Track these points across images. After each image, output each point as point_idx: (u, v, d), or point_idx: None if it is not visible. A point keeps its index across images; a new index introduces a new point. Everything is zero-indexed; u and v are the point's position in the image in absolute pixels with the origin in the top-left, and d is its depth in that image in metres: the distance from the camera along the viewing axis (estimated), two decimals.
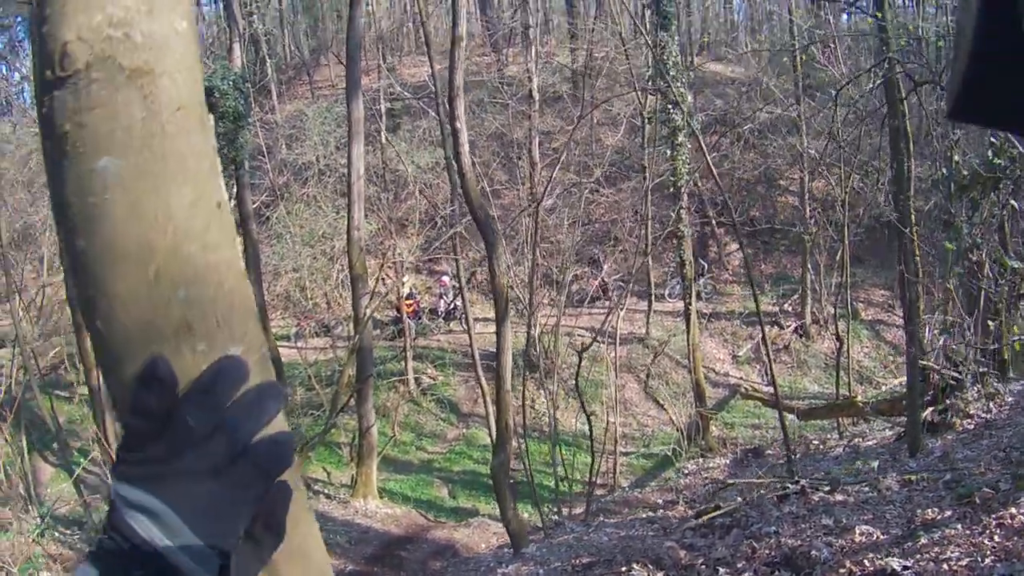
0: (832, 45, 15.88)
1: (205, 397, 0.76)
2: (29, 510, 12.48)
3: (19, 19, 29.62)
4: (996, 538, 5.46)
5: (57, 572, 11.15)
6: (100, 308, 0.78)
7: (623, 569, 7.04)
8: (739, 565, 6.30)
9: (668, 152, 18.36)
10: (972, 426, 9.84)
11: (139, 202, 0.76)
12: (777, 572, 5.95)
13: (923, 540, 5.74)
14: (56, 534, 12.74)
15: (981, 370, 10.57)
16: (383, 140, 25.21)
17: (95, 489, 13.92)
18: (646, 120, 20.18)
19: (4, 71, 32.09)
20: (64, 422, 16.86)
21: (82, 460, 14.99)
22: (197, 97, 0.81)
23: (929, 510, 6.36)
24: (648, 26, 17.26)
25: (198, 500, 0.74)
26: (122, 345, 0.78)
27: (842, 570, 5.61)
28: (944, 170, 10.28)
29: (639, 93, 19.43)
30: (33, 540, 11.47)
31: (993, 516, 5.76)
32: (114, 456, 0.79)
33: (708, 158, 10.72)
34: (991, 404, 10.28)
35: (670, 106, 17.54)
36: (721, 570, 6.29)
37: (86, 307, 0.79)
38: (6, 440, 13.46)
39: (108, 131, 0.75)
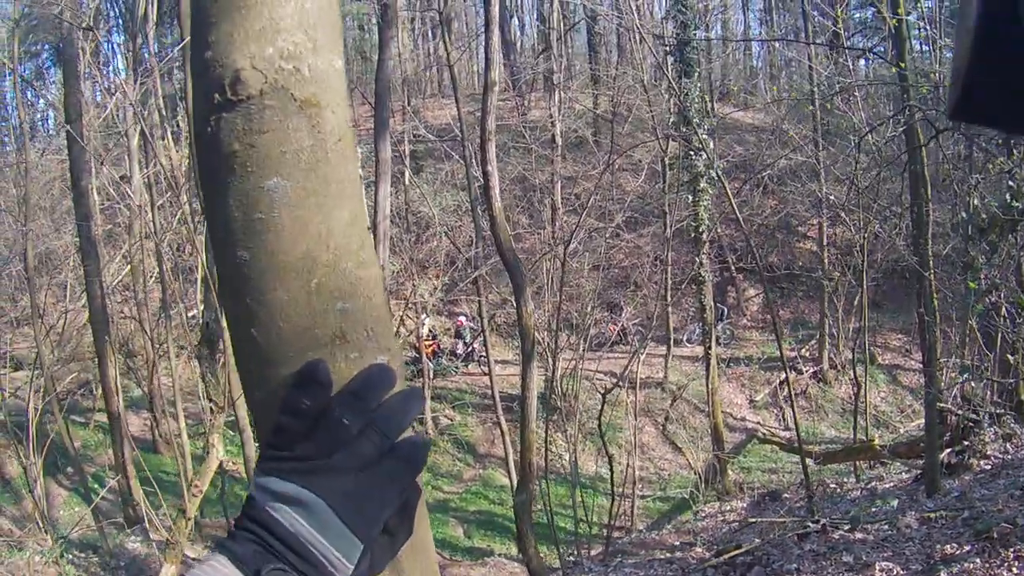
0: (856, 95, 15.93)
1: (356, 400, 0.82)
2: (47, 532, 12.48)
3: (46, 47, 29.43)
4: (1015, 569, 5.55)
5: None
6: (259, 316, 0.83)
7: None
8: None
9: (690, 198, 18.42)
10: (989, 466, 9.78)
11: (305, 220, 0.82)
12: None
13: (943, 575, 5.77)
14: (70, 556, 12.75)
15: (998, 411, 10.52)
16: (406, 182, 25.30)
17: (108, 515, 13.94)
18: (667, 166, 20.22)
19: (30, 96, 31.92)
20: (79, 447, 16.91)
21: (96, 485, 15.05)
22: (350, 131, 0.87)
23: (948, 546, 6.41)
24: (671, 72, 17.36)
25: (347, 493, 0.79)
26: (278, 351, 0.83)
27: None
28: (964, 214, 10.30)
29: (661, 139, 19.48)
30: (55, 561, 11.47)
31: (1012, 550, 5.86)
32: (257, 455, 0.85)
33: (734, 203, 10.76)
34: (1008, 445, 10.24)
35: (692, 152, 17.62)
36: None
37: (243, 315, 0.84)
38: (22, 462, 13.51)
39: (279, 154, 0.81)
